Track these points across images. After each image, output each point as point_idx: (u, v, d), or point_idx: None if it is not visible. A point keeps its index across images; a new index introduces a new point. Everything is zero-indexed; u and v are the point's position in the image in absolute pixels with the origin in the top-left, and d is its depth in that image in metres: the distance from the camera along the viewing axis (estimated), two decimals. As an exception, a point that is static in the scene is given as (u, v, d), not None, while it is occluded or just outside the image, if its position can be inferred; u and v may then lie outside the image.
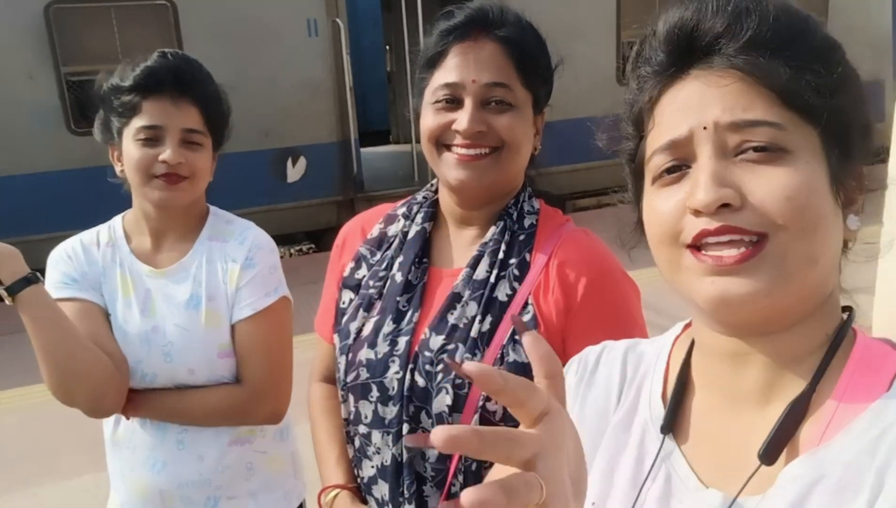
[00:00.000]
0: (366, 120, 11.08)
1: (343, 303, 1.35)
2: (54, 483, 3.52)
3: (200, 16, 6.50)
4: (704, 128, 0.65)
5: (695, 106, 0.67)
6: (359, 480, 1.31)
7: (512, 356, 1.15)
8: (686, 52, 0.69)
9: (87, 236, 1.64)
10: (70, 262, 1.59)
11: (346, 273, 1.37)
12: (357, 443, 1.30)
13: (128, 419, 1.59)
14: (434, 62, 1.22)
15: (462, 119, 1.18)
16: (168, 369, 1.56)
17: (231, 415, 1.59)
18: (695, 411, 0.76)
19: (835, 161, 0.66)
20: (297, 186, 7.12)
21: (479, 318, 1.18)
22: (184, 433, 1.59)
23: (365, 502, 1.29)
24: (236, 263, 1.59)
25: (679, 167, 0.68)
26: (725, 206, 0.64)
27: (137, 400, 1.56)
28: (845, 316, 0.71)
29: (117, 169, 1.58)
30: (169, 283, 1.59)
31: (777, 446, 0.66)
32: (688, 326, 0.85)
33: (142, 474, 1.59)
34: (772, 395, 0.69)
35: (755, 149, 0.64)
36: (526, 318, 1.18)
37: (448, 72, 1.19)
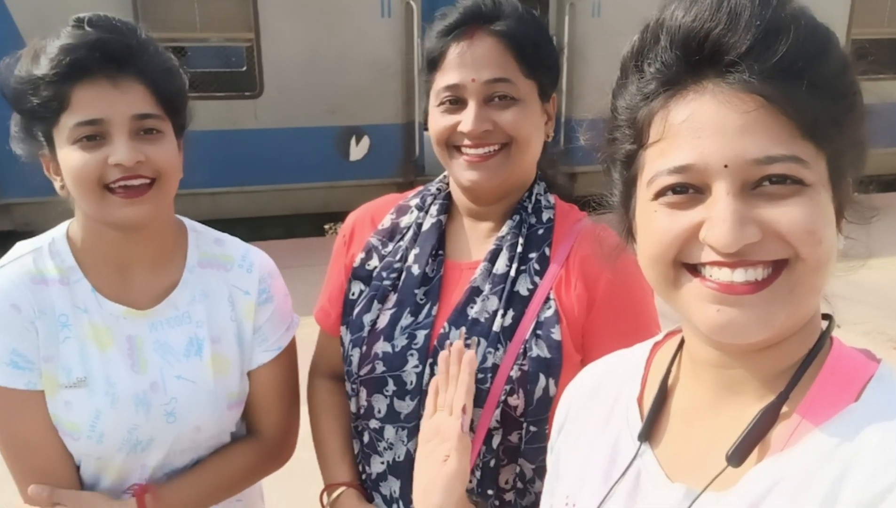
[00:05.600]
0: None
1: (353, 294, 1.32)
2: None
3: (278, -9, 6.60)
4: (725, 166, 0.62)
5: (712, 131, 0.63)
6: (363, 477, 1.31)
7: (535, 351, 1.14)
8: (704, 62, 0.64)
9: (27, 269, 1.20)
10: (16, 321, 1.17)
11: (356, 264, 1.34)
12: (366, 438, 1.28)
13: None
14: (435, 64, 1.21)
15: (466, 120, 1.17)
16: (169, 431, 1.25)
17: (254, 475, 1.38)
18: (673, 411, 0.79)
19: (839, 189, 0.66)
20: (359, 165, 7.19)
21: (500, 312, 1.17)
22: None
23: (370, 500, 1.28)
24: (249, 296, 1.31)
25: (687, 188, 0.65)
26: None
27: (158, 495, 1.25)
28: (825, 325, 0.72)
29: (56, 185, 1.20)
30: (157, 326, 1.26)
31: (745, 449, 0.68)
32: (671, 334, 0.87)
33: None
34: (749, 401, 0.71)
35: (773, 181, 0.62)
36: (548, 313, 1.16)
37: (448, 73, 1.18)
